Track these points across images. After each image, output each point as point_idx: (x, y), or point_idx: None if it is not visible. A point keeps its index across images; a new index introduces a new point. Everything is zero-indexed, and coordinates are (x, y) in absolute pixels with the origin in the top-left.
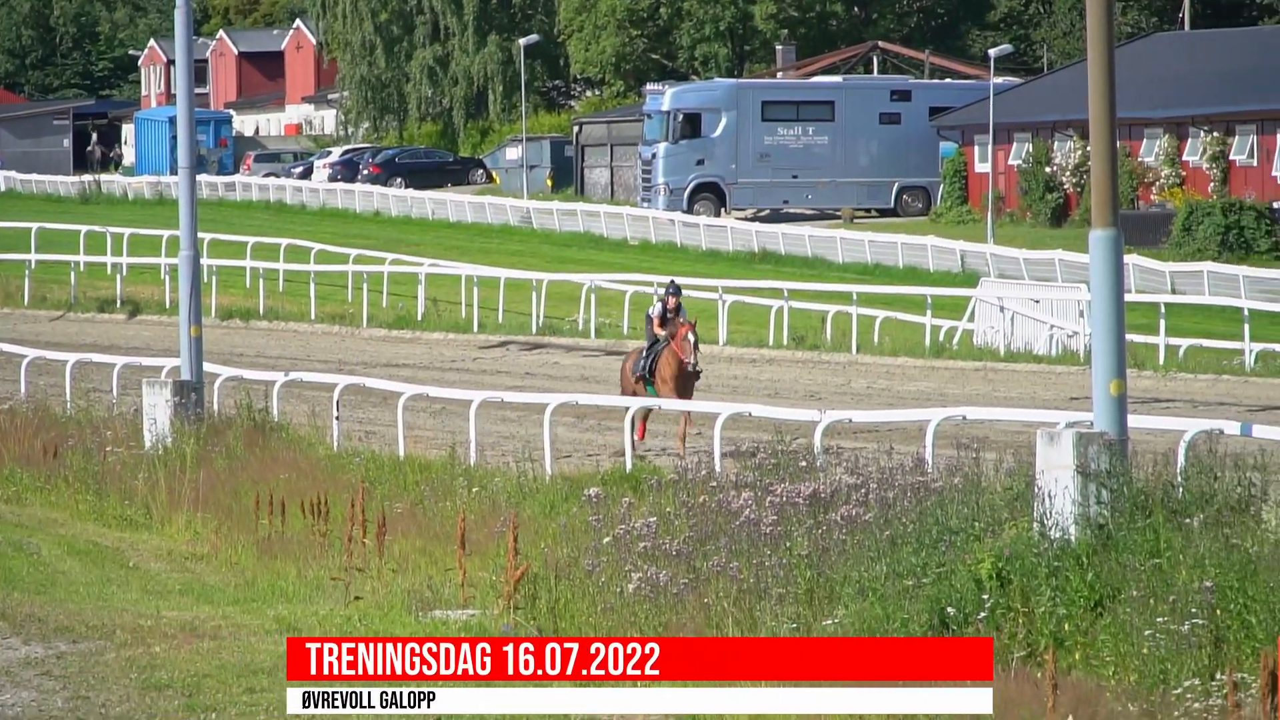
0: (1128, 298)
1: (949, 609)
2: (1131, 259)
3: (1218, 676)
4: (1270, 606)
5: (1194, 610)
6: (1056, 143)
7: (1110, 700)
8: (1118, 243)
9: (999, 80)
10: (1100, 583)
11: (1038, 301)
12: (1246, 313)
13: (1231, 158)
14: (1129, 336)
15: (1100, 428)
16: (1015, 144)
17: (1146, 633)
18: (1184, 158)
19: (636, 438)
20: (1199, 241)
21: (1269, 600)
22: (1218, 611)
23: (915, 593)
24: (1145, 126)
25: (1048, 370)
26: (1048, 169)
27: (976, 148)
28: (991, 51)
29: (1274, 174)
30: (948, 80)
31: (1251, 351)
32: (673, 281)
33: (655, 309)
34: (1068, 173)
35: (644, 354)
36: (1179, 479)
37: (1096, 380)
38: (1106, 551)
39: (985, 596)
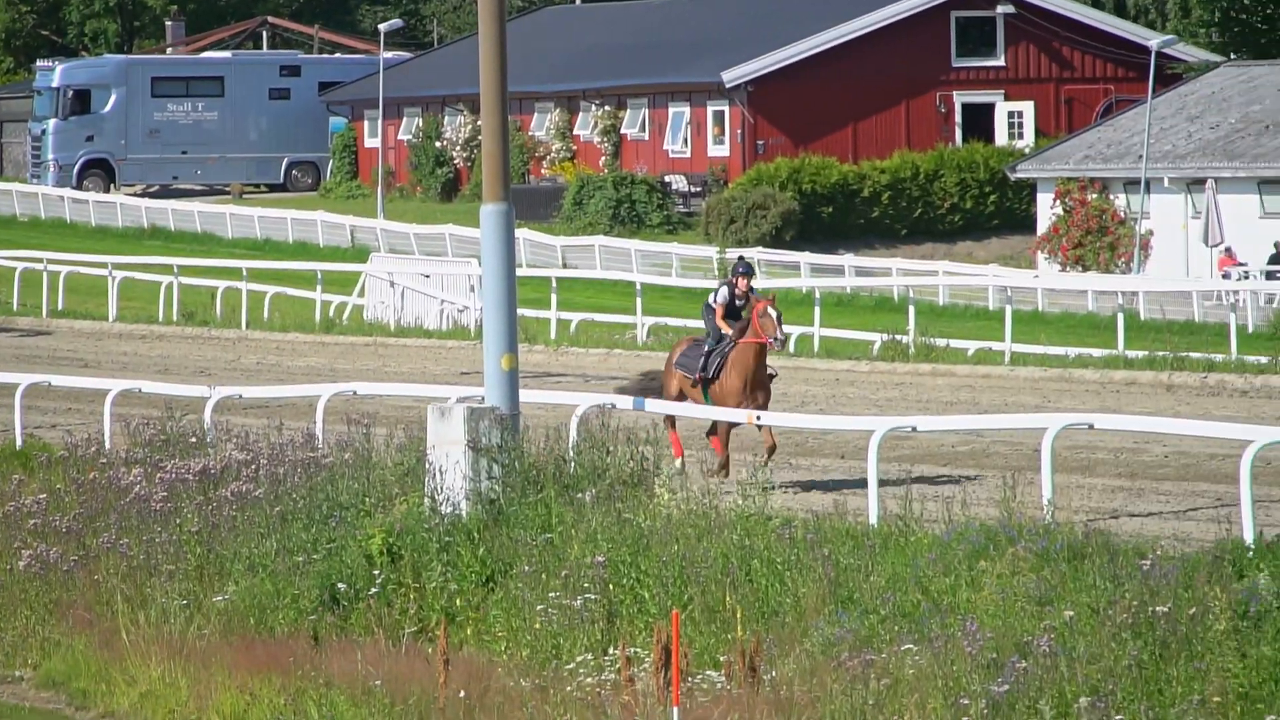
0: (519, 272)
1: (340, 585)
2: (523, 233)
3: (611, 651)
4: (663, 581)
5: (586, 585)
6: (447, 117)
7: (503, 675)
8: (509, 217)
9: (389, 55)
10: (492, 558)
11: (428, 276)
12: (639, 286)
13: (623, 131)
14: (520, 311)
15: (491, 402)
16: (405, 119)
17: (539, 608)
18: (575, 132)
19: (672, 454)
20: (590, 215)
21: (661, 575)
22: (610, 586)
23: (306, 569)
24: (537, 100)
25: (439, 345)
26: (438, 144)
27: (366, 123)
28: (381, 26)
29: (665, 147)
30: (338, 55)
31: (643, 325)
32: (741, 258)
33: (719, 295)
34: (458, 147)
35: (703, 352)
36: (571, 453)
37: (488, 355)
38: (498, 526)
39: (376, 572)
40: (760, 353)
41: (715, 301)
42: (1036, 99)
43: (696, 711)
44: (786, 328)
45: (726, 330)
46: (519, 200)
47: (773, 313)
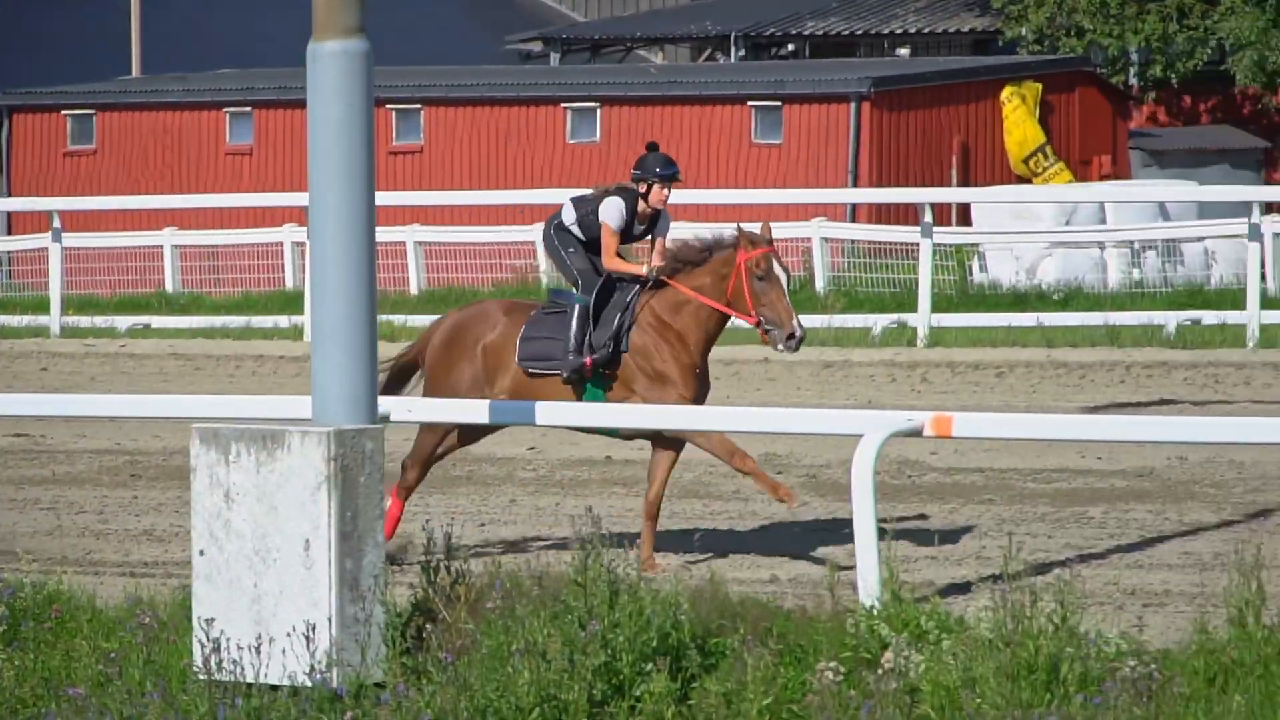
0: None
1: None
2: None
3: None
4: None
5: None
6: None
7: None
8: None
9: None
10: None
11: None
12: None
13: None
14: None
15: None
16: None
17: None
18: None
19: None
20: None
21: None
22: None
23: None
24: None
25: None
26: None
27: None
28: None
29: None
30: None
31: None
32: (653, 145)
33: (608, 211)
34: None
35: (570, 322)
36: None
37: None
38: None
39: None
40: (721, 325)
41: (577, 222)
42: None
43: None
44: None
45: (635, 272)
46: None
47: (781, 274)
